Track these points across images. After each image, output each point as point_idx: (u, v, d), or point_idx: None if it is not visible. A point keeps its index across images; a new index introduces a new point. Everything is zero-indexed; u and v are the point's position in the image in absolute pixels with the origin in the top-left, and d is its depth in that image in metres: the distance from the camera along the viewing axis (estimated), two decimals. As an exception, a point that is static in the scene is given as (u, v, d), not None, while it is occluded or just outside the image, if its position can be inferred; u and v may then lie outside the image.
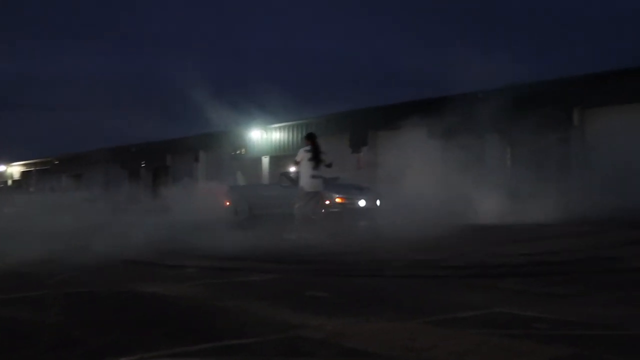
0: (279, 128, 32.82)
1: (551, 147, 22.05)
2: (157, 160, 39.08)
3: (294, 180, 19.46)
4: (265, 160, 33.22)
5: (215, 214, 17.68)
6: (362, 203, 17.18)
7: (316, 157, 11.99)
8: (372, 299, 5.65)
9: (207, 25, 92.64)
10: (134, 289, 6.44)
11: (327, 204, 16.93)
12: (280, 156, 31.31)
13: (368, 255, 9.09)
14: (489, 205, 16.31)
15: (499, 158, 20.41)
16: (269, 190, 19.59)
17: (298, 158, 12.43)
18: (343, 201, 17.11)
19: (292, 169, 16.89)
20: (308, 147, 12.33)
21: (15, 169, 51.17)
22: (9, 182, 47.86)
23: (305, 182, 12.16)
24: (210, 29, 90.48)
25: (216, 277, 7.30)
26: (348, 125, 28.81)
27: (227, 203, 19.47)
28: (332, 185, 16.94)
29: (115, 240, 10.33)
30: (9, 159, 49.96)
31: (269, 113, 30.86)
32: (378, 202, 17.47)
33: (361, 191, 17.66)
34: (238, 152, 34.00)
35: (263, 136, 33.55)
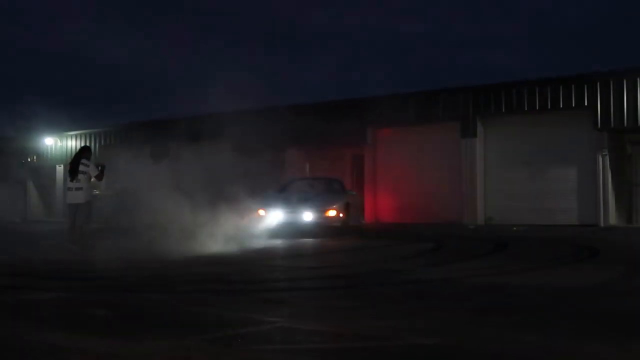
0: (75, 136, 31.25)
1: (345, 162, 23.05)
2: None
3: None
4: (60, 169, 31.44)
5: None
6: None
7: (71, 170, 12.02)
8: (154, 317, 5.47)
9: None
10: None
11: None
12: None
13: (157, 270, 8.84)
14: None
15: (299, 173, 20.93)
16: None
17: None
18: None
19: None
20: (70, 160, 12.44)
21: None
22: None
23: (66, 195, 12.22)
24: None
25: (-13, 297, 6.70)
26: (149, 136, 28.07)
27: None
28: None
29: None
30: None
31: (64, 120, 29.39)
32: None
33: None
34: (29, 159, 31.94)
35: (57, 144, 31.75)
